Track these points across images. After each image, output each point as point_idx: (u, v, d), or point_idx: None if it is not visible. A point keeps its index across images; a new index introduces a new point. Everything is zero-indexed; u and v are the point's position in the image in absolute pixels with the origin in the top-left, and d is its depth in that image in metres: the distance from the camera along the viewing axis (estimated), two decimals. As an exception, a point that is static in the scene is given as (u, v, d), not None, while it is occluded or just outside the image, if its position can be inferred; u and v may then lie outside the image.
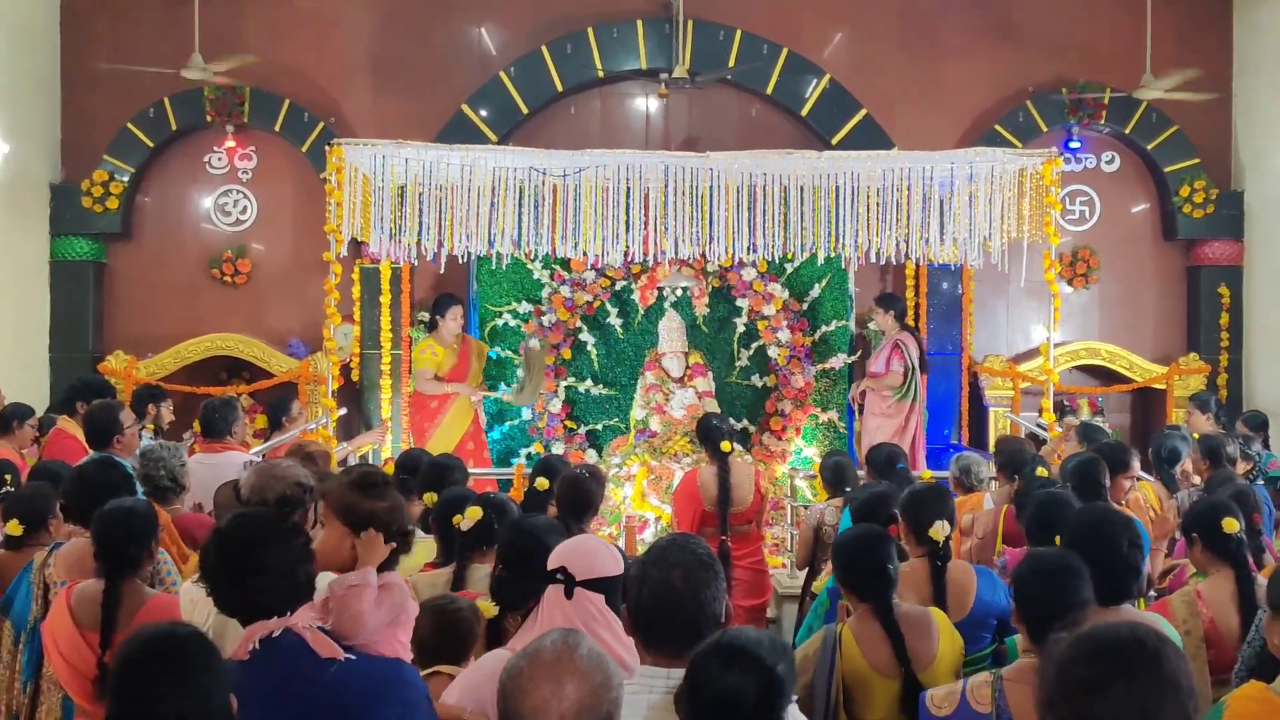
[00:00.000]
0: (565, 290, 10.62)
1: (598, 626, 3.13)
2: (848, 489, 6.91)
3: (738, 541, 7.27)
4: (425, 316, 10.48)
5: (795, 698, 2.74)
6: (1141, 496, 6.94)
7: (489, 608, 3.68)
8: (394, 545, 3.55)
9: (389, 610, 3.31)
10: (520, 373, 10.42)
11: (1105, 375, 11.69)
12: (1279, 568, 4.03)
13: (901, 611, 4.23)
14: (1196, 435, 7.96)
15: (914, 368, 9.81)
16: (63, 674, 4.15)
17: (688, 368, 10.33)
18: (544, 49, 11.23)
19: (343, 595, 3.17)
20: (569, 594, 3.18)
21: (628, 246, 9.03)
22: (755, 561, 7.43)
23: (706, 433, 7.48)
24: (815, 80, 11.39)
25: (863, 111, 11.36)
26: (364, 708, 2.99)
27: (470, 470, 6.93)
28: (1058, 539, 4.45)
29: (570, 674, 2.39)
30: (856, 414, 10.31)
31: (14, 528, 5.09)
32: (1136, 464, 6.38)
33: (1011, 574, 3.86)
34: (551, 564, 3.28)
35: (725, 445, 7.26)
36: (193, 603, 3.96)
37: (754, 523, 7.50)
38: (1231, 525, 4.59)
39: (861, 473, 7.33)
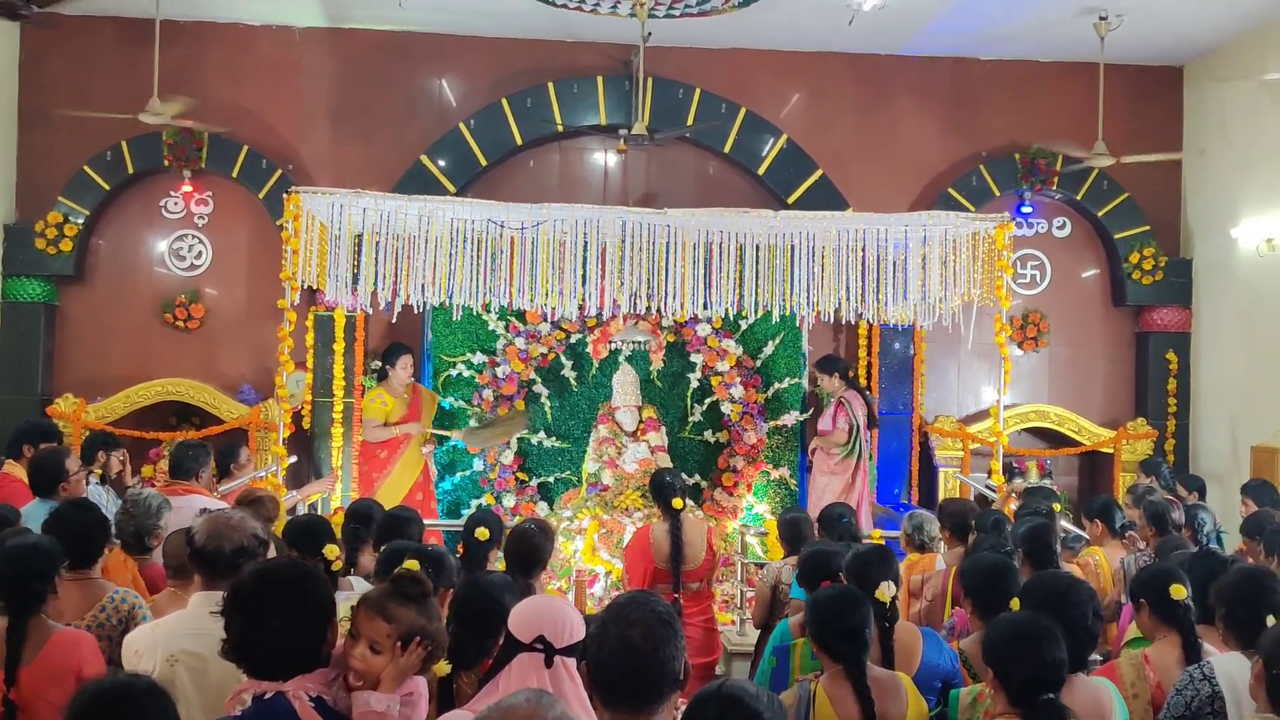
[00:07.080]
0: (520, 342, 10.60)
1: (567, 693, 3.13)
2: (804, 546, 6.92)
3: (689, 599, 7.25)
4: (378, 365, 10.42)
5: None
6: (1093, 561, 6.99)
7: (441, 666, 3.65)
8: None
9: None
10: (490, 415, 10.40)
11: (1054, 438, 11.78)
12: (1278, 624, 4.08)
13: (873, 675, 4.25)
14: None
15: (858, 425, 9.87)
16: (-33, 711, 4.11)
17: (641, 422, 10.34)
18: (504, 102, 11.28)
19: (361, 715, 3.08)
20: (549, 663, 3.18)
21: (583, 300, 9.05)
22: (706, 620, 7.39)
23: (659, 489, 7.45)
24: (772, 140, 11.50)
25: (818, 172, 11.48)
26: None
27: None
28: (1015, 603, 4.48)
29: None
30: (810, 469, 10.34)
31: None
32: None
33: (984, 640, 3.88)
34: (525, 632, 3.25)
35: (678, 502, 7.23)
36: (137, 654, 3.93)
37: (705, 580, 7.47)
38: (1179, 591, 4.62)
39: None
